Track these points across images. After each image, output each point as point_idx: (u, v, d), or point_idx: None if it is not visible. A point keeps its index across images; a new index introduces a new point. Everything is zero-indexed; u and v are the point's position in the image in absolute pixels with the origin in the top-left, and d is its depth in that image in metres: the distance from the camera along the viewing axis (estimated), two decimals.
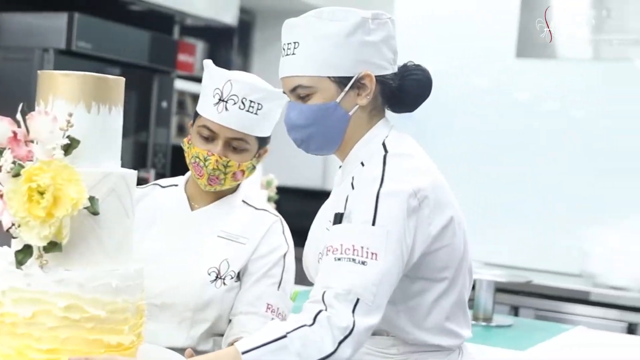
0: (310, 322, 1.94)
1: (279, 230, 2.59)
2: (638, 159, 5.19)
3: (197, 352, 2.14)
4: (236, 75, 2.51)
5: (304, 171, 6.72)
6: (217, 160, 2.48)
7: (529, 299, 4.87)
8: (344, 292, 1.96)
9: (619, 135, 5.24)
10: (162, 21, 5.58)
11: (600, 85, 5.35)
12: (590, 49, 5.38)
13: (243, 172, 2.53)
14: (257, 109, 2.47)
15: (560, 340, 3.61)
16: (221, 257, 2.50)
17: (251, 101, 2.47)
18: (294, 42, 2.16)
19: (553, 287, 4.91)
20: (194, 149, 2.52)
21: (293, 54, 2.16)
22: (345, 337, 1.93)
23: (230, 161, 2.49)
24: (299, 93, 2.16)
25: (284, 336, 1.92)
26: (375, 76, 2.16)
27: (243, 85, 2.47)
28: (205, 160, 2.48)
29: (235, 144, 2.50)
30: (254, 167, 2.57)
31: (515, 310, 4.89)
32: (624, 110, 5.26)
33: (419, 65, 2.25)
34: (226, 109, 2.46)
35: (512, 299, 4.88)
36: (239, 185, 2.62)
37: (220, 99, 2.47)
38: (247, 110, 2.47)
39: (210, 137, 2.50)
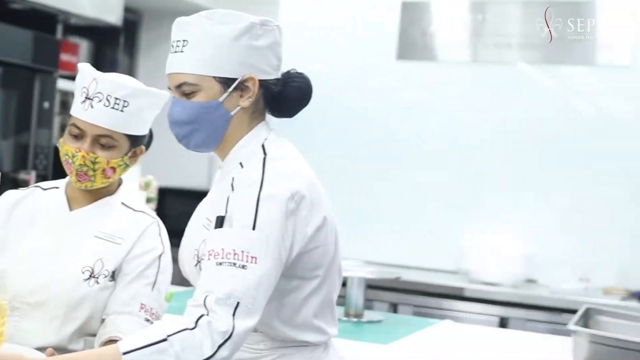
0: (192, 325, 1.97)
1: (155, 232, 2.61)
2: (514, 161, 5.33)
3: (68, 351, 2.14)
4: (103, 74, 2.54)
5: (189, 172, 6.71)
6: (84, 157, 2.50)
7: (407, 296, 4.97)
8: (225, 297, 2.00)
9: (498, 136, 5.37)
10: (45, 20, 5.51)
11: (478, 87, 5.47)
12: (469, 52, 5.50)
13: (114, 169, 2.55)
14: (123, 106, 2.50)
15: (425, 333, 3.71)
16: (96, 257, 2.51)
17: (116, 98, 2.50)
18: (183, 40, 2.20)
19: (429, 283, 5.03)
20: (64, 147, 2.55)
21: (181, 51, 2.20)
22: (225, 341, 1.97)
23: (98, 157, 2.51)
24: (184, 90, 2.19)
25: (165, 339, 1.96)
26: (259, 80, 2.20)
27: (107, 83, 2.50)
28: (73, 156, 2.51)
29: (103, 141, 2.52)
30: (127, 165, 2.59)
31: (394, 307, 4.98)
32: (501, 112, 5.39)
33: (301, 74, 2.31)
34: (92, 106, 2.49)
35: (391, 296, 4.97)
36: (119, 187, 2.64)
37: (86, 97, 2.50)
38: (113, 107, 2.49)
39: (79, 135, 2.53)
